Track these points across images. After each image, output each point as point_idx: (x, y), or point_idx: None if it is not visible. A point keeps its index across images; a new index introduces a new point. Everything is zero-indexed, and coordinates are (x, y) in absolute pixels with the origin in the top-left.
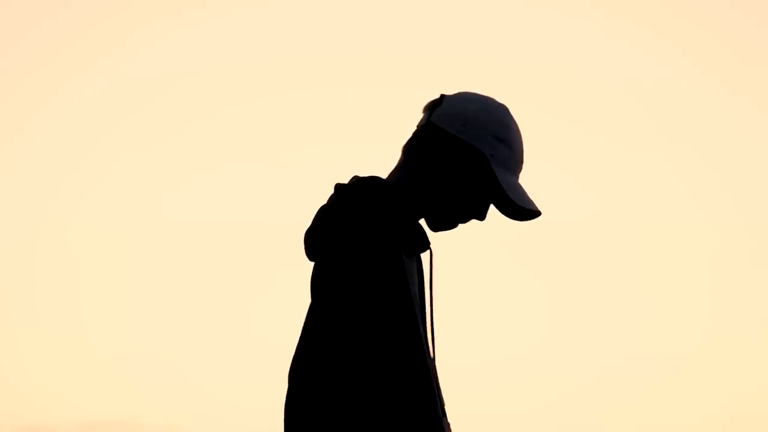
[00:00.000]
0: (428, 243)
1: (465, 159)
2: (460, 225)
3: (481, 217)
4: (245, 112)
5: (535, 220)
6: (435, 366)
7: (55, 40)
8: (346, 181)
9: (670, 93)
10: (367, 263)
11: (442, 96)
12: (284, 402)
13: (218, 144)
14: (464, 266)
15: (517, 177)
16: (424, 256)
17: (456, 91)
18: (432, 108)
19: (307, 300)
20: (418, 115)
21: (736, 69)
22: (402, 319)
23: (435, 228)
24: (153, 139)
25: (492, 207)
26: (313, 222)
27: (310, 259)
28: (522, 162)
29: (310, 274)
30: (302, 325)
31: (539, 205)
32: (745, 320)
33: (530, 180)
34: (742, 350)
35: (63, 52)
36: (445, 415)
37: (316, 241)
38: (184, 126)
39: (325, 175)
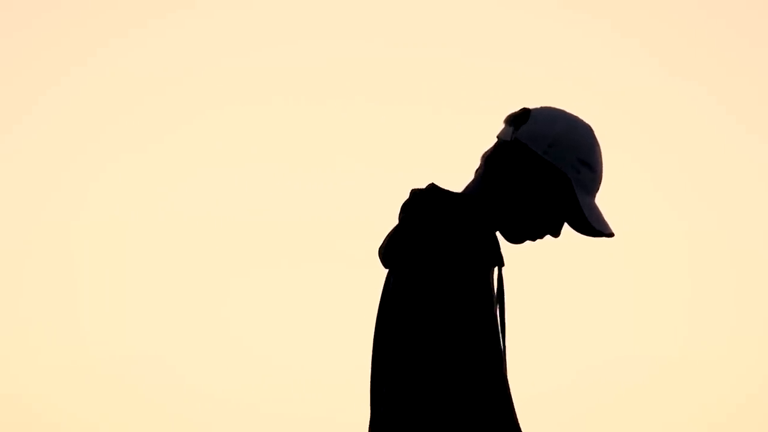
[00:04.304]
0: (501, 258)
1: (548, 179)
2: (536, 240)
3: (556, 234)
4: (240, 114)
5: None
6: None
7: (44, 40)
8: (422, 187)
9: (645, 99)
10: (450, 276)
11: (526, 110)
12: (371, 405)
13: (215, 144)
14: None
15: (594, 198)
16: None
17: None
18: (516, 121)
19: (304, 302)
20: (408, 120)
21: (715, 77)
22: (483, 331)
23: (512, 240)
24: (146, 140)
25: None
26: (393, 231)
27: (386, 267)
28: (600, 183)
29: (384, 281)
30: (375, 329)
31: (613, 226)
32: (728, 322)
33: None
34: (725, 352)
35: (52, 51)
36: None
37: (397, 250)
38: (179, 125)
39: (322, 178)
